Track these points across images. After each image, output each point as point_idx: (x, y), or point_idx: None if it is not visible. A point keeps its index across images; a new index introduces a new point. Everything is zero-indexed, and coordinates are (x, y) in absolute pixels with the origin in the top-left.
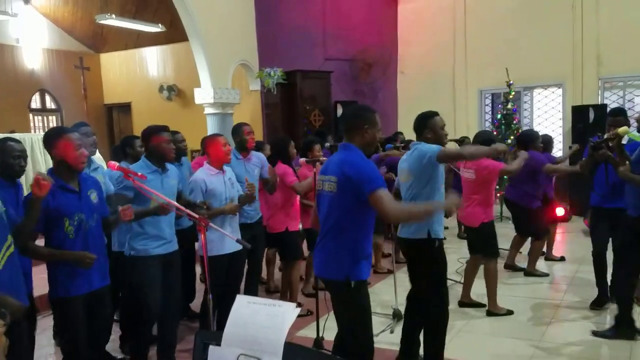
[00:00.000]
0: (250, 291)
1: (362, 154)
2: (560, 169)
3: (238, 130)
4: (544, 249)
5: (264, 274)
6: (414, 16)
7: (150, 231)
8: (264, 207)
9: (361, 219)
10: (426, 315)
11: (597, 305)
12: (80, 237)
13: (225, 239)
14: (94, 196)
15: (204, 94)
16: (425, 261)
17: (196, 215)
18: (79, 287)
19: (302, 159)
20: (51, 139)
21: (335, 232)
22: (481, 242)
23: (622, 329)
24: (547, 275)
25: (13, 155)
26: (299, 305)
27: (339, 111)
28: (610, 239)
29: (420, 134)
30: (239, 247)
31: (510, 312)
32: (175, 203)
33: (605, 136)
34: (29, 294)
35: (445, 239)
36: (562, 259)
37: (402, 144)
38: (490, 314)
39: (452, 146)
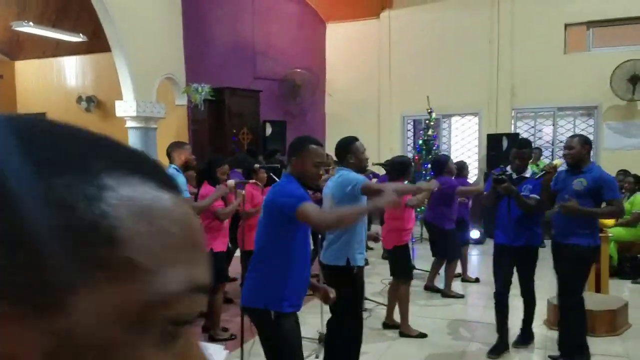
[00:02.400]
0: None
1: (292, 180)
2: (470, 190)
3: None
4: (459, 271)
5: None
6: (341, 41)
7: None
8: None
9: (283, 244)
10: (341, 340)
11: (496, 353)
12: None
13: None
14: None
15: (125, 107)
16: (342, 287)
17: None
18: None
19: (231, 181)
20: None
21: (258, 259)
22: (393, 264)
23: (579, 356)
24: (462, 296)
25: None
26: (230, 338)
27: (268, 130)
28: (520, 275)
29: (343, 158)
30: None
31: (422, 335)
32: None
33: (542, 169)
34: None
35: (367, 264)
36: (477, 280)
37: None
38: (402, 334)
39: (377, 168)
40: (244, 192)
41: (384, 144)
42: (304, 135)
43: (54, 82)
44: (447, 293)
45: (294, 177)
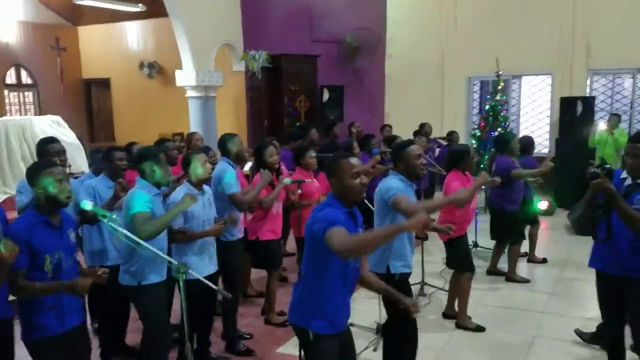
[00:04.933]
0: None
1: (335, 203)
2: (526, 173)
3: (234, 141)
4: (526, 251)
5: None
6: None
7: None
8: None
9: (321, 267)
10: (396, 342)
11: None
12: (59, 276)
13: (200, 263)
14: (72, 236)
15: (185, 77)
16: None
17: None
18: (51, 328)
19: (287, 179)
20: (32, 176)
21: (302, 276)
22: (449, 257)
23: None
24: (528, 281)
25: None
26: (285, 323)
27: (325, 96)
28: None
29: (395, 164)
30: (213, 270)
31: (480, 329)
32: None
33: None
34: None
35: (426, 239)
36: (544, 260)
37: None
38: (459, 326)
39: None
40: (299, 191)
41: (448, 109)
42: (337, 153)
43: (117, 47)
44: (511, 277)
45: (335, 198)
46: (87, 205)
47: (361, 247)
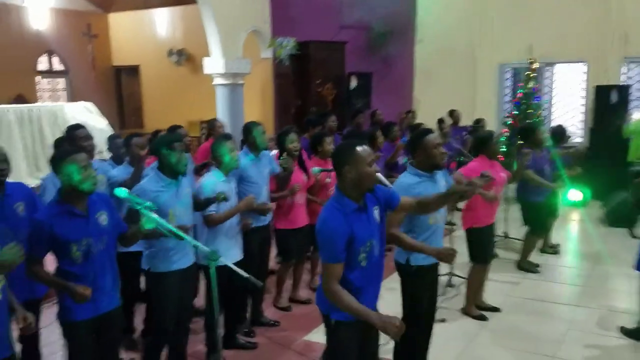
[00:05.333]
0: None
1: (344, 201)
2: (535, 179)
3: (253, 130)
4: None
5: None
6: None
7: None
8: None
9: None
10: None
11: None
12: (89, 262)
13: (229, 250)
14: (103, 218)
15: (213, 64)
16: (402, 283)
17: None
18: (84, 312)
19: (316, 168)
20: (56, 163)
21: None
22: (468, 245)
23: None
24: (537, 271)
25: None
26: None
27: (353, 83)
28: None
29: (413, 153)
30: (240, 257)
31: (483, 318)
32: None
33: None
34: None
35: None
36: (555, 248)
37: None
38: (465, 312)
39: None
40: (329, 179)
41: (480, 97)
42: (343, 143)
43: (146, 34)
44: (521, 265)
45: (342, 195)
46: (122, 192)
47: (338, 305)
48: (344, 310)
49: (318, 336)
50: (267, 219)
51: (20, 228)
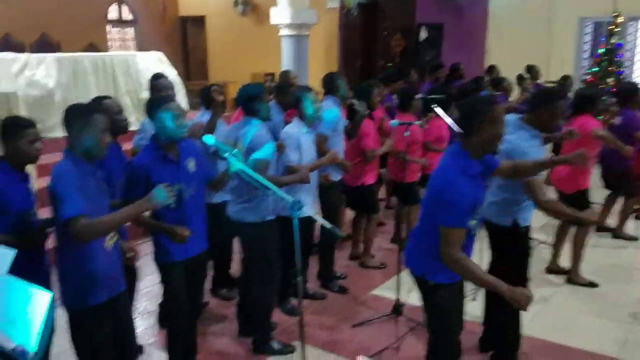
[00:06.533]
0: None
1: (470, 163)
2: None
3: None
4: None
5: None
6: None
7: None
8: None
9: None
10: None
11: None
12: (180, 207)
13: (308, 202)
14: (191, 165)
15: (280, 14)
16: (505, 250)
17: None
18: (178, 253)
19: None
20: (154, 109)
21: (420, 225)
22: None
23: None
24: (635, 239)
25: (115, 111)
26: (380, 266)
27: (422, 35)
28: None
29: (534, 109)
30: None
31: (593, 285)
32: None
33: None
34: None
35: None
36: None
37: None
38: (570, 281)
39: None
40: (407, 133)
41: (556, 52)
42: (479, 98)
43: None
44: (618, 234)
45: (468, 153)
46: (210, 139)
47: (461, 274)
48: (467, 279)
49: (386, 292)
50: (338, 175)
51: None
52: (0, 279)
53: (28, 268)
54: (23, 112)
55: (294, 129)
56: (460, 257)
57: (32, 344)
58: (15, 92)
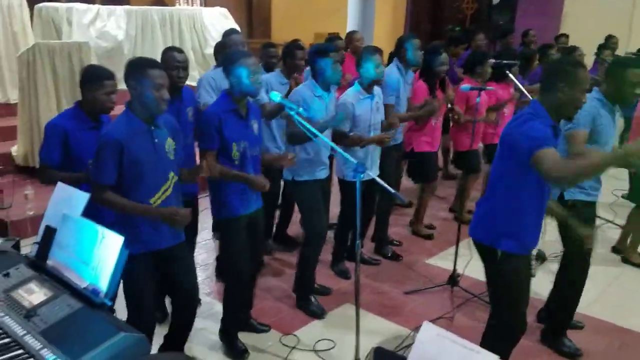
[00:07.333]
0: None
1: (546, 115)
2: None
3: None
4: None
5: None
6: None
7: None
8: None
9: (516, 184)
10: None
11: None
12: (245, 165)
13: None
14: (255, 127)
15: None
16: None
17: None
18: (240, 209)
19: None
20: (230, 63)
21: (491, 190)
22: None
23: None
24: None
25: (172, 65)
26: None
27: None
28: None
29: (605, 77)
30: (375, 175)
31: None
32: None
33: None
34: None
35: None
36: None
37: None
38: (625, 261)
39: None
40: (478, 99)
41: (638, 20)
42: (565, 59)
43: None
44: None
45: (544, 109)
46: (277, 96)
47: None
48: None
49: (440, 262)
50: (398, 139)
51: (188, 133)
52: (75, 220)
53: (99, 211)
54: (94, 62)
55: (349, 94)
56: (564, 163)
57: (103, 284)
58: (88, 42)
